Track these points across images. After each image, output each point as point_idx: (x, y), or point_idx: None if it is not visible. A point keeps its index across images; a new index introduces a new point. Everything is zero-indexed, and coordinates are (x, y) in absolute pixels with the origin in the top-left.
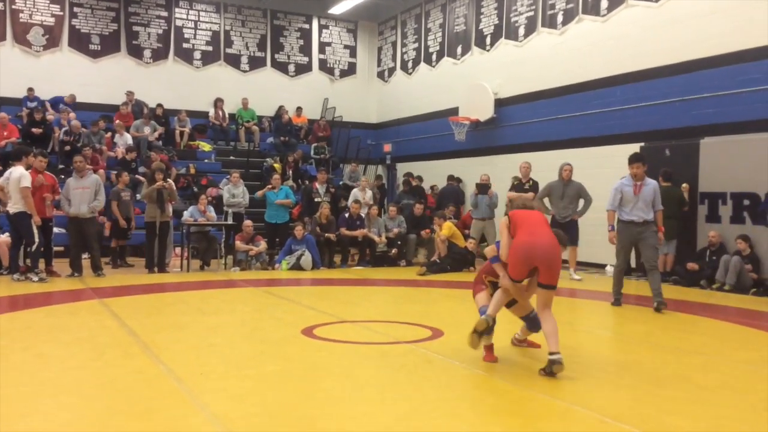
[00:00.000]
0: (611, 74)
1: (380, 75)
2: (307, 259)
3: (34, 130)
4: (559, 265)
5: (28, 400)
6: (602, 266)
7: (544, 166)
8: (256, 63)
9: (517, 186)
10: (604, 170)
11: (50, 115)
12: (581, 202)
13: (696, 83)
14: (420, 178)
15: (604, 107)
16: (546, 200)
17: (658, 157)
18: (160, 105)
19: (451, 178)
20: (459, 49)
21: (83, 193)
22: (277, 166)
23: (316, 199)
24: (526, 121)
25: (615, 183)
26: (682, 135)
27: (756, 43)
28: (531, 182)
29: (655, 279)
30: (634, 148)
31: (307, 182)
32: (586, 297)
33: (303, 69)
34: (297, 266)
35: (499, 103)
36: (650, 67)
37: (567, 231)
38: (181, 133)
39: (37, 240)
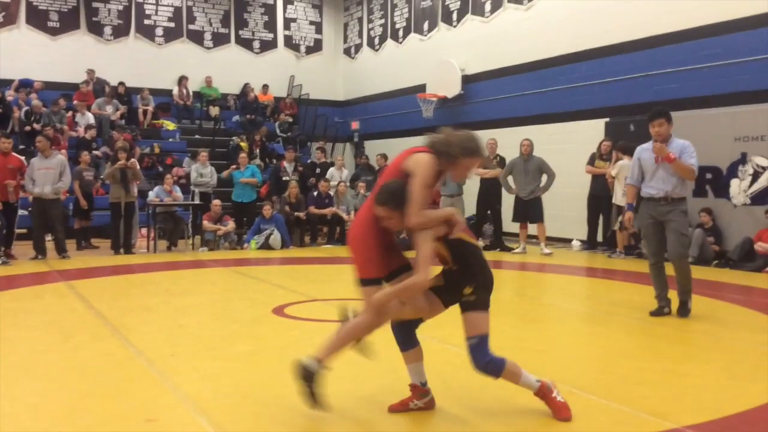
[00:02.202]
0: (576, 50)
1: (347, 51)
2: (276, 238)
3: None
4: (357, 252)
5: None
6: (569, 241)
7: (511, 143)
8: (219, 39)
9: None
10: (570, 146)
11: (9, 96)
12: (544, 178)
13: (659, 59)
14: (384, 156)
15: (569, 83)
16: (510, 178)
17: (622, 133)
18: (122, 83)
19: None
20: (426, 25)
21: (47, 174)
22: (243, 144)
23: (284, 178)
24: (493, 97)
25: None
26: (646, 110)
27: (718, 18)
28: (498, 158)
29: (679, 273)
30: (599, 124)
31: (274, 161)
32: (555, 271)
33: (268, 46)
34: (266, 245)
35: (467, 80)
36: (614, 43)
37: (531, 209)
38: (145, 112)
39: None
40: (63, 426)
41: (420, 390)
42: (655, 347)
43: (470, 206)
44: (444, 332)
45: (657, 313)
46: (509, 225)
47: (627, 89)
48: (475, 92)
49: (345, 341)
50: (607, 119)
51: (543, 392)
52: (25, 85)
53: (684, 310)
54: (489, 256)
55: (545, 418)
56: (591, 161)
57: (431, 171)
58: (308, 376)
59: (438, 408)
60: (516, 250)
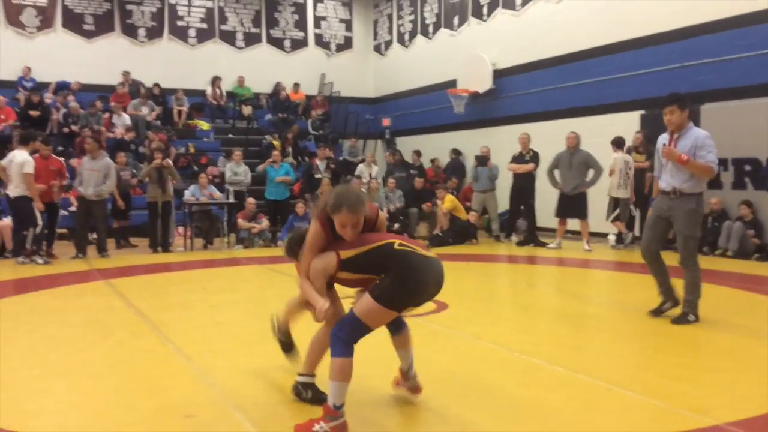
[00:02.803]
0: (609, 42)
1: (377, 48)
2: None
3: (31, 112)
4: None
5: (38, 382)
6: (604, 235)
7: (544, 137)
8: (251, 39)
9: (518, 158)
10: (604, 139)
11: (48, 98)
12: (591, 172)
13: (696, 49)
14: (418, 153)
15: (602, 75)
16: (556, 172)
17: (658, 125)
18: (156, 84)
19: (453, 151)
20: (456, 20)
21: (91, 175)
22: (276, 143)
23: (316, 176)
24: (525, 91)
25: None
26: None
27: (756, 7)
28: (531, 153)
29: (685, 280)
30: (634, 116)
31: (306, 159)
32: (592, 267)
33: (299, 44)
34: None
35: (498, 74)
36: (649, 34)
37: (575, 204)
38: (179, 113)
39: (39, 223)
40: (104, 422)
41: (404, 375)
42: (693, 343)
43: (503, 201)
44: (476, 329)
45: (656, 312)
46: (545, 220)
47: (663, 80)
48: (507, 87)
49: (319, 350)
50: (643, 111)
51: (325, 411)
52: (63, 87)
53: (681, 320)
54: (523, 251)
55: (580, 417)
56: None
57: (314, 238)
58: (307, 388)
59: (472, 405)
60: (551, 246)
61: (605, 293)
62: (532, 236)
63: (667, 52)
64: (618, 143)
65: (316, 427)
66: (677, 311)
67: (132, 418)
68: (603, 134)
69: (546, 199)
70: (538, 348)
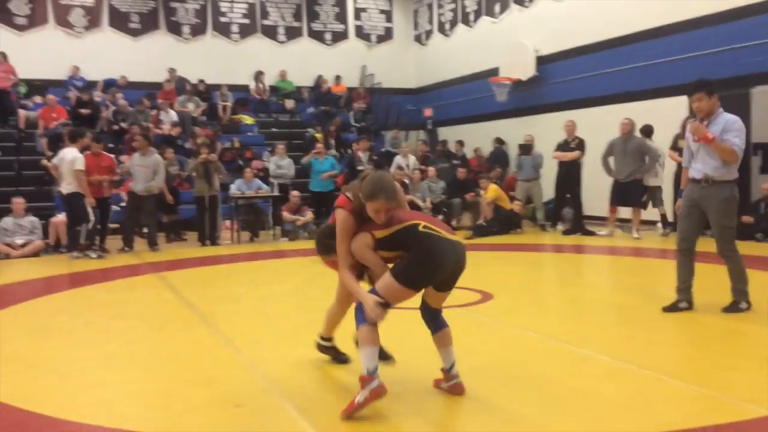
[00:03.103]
0: (656, 25)
1: (417, 38)
2: None
3: (81, 110)
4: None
5: (93, 373)
6: (654, 223)
7: (589, 124)
8: (292, 33)
9: (563, 145)
10: (657, 123)
11: (97, 96)
12: (646, 159)
13: (745, 31)
14: (461, 143)
15: (649, 60)
16: (611, 159)
17: None
18: (201, 81)
19: (497, 140)
20: (497, 7)
21: (140, 171)
22: (318, 135)
23: (359, 167)
24: (569, 78)
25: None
26: (731, 85)
27: None
28: (577, 141)
29: (729, 270)
30: (682, 100)
31: (349, 151)
32: (642, 255)
33: (339, 37)
34: None
35: (541, 61)
36: (696, 17)
37: (629, 192)
38: (224, 108)
39: (92, 218)
40: (156, 411)
41: (445, 375)
42: (747, 332)
43: (548, 190)
44: (522, 319)
45: (671, 308)
46: (591, 208)
47: (711, 64)
48: (550, 73)
49: (333, 320)
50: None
51: (361, 381)
52: (110, 84)
53: (733, 308)
54: (569, 240)
55: (630, 406)
56: (674, 144)
57: (344, 225)
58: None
59: (518, 395)
60: (602, 233)
61: (654, 282)
62: (579, 225)
63: (715, 35)
64: (647, 131)
65: (358, 397)
66: (727, 300)
67: (183, 408)
68: (649, 119)
69: (592, 186)
70: (586, 338)
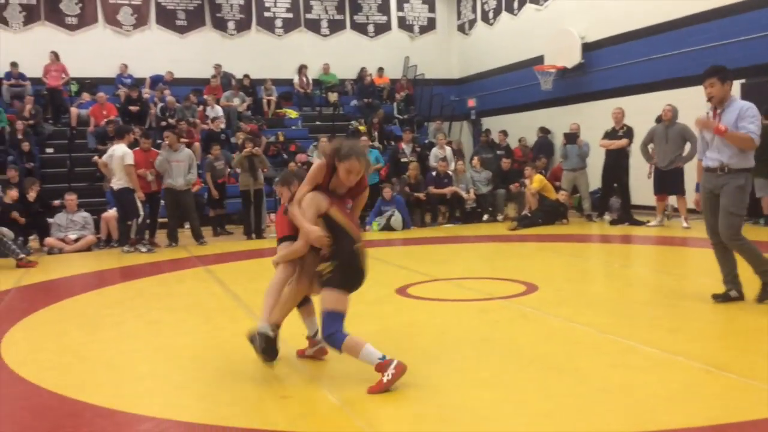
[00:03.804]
0: (706, 9)
1: (461, 28)
2: (397, 219)
3: (131, 107)
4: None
5: (143, 365)
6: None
7: (637, 111)
8: (335, 26)
9: (610, 133)
10: (703, 111)
11: (146, 93)
12: (687, 146)
13: None
14: (505, 133)
15: (699, 44)
16: (650, 147)
17: (761, 94)
18: (246, 76)
19: (541, 130)
20: None
21: (178, 166)
22: (362, 128)
23: (402, 160)
24: (617, 64)
25: None
26: None
27: None
28: (625, 129)
29: (741, 257)
30: (734, 86)
31: (392, 143)
32: (693, 245)
33: (382, 29)
34: (387, 227)
35: (587, 48)
36: None
37: (670, 180)
38: (268, 102)
39: (141, 213)
40: (205, 403)
41: (311, 341)
42: None
43: (595, 179)
44: (567, 311)
45: (721, 298)
46: (639, 197)
47: (763, 48)
48: (597, 60)
49: (273, 297)
50: (743, 80)
51: (379, 368)
52: (157, 81)
53: (764, 294)
54: (616, 230)
55: (678, 399)
56: None
57: (315, 172)
58: (263, 340)
59: (563, 387)
60: (652, 224)
61: (703, 272)
62: (627, 214)
63: (767, 18)
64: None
65: (384, 377)
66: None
67: (230, 399)
68: (700, 106)
69: (640, 175)
70: (633, 330)
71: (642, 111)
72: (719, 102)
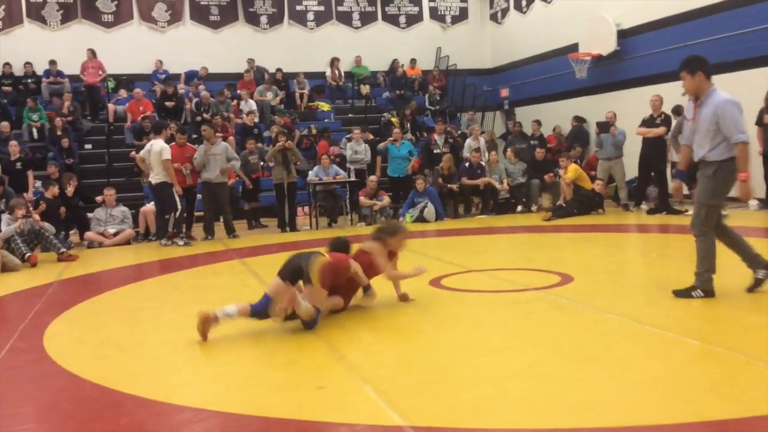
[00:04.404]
0: None
1: (493, 17)
2: (430, 210)
3: (167, 103)
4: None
5: (181, 356)
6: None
7: (675, 99)
8: (367, 18)
9: (648, 121)
10: (743, 97)
11: (181, 89)
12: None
13: None
14: (538, 122)
15: (738, 29)
16: (680, 137)
17: None
18: (279, 69)
19: (576, 119)
20: None
21: (215, 159)
22: (394, 120)
23: (435, 151)
24: (653, 51)
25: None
26: None
27: None
28: (662, 116)
29: (697, 248)
30: None
31: (425, 134)
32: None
33: (414, 19)
34: (421, 218)
35: (622, 35)
36: None
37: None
38: (301, 95)
39: (179, 207)
40: (241, 393)
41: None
42: None
43: (632, 168)
44: (604, 301)
45: (753, 285)
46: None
47: None
48: (633, 47)
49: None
50: None
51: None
52: (192, 76)
53: (684, 293)
54: (654, 220)
55: (718, 390)
56: (759, 118)
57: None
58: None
59: (599, 378)
60: (689, 213)
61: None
62: (664, 204)
63: None
64: (677, 112)
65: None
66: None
67: (267, 389)
68: (738, 92)
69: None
70: (671, 321)
71: (678, 99)
72: (694, 95)
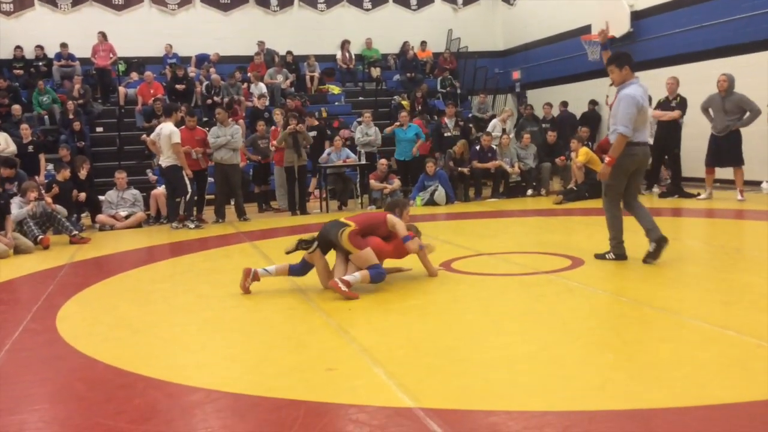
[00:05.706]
0: None
1: None
2: (440, 194)
3: (177, 86)
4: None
5: (193, 338)
6: (758, 183)
7: (690, 80)
8: (378, 0)
9: (663, 103)
10: (759, 79)
11: (191, 72)
12: (747, 115)
13: None
14: (550, 105)
15: (755, 9)
16: (711, 110)
17: None
18: (290, 52)
19: (589, 102)
20: None
21: (226, 142)
22: (404, 103)
23: (445, 134)
24: (668, 32)
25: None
26: None
27: None
28: (678, 99)
29: (607, 219)
30: None
31: (435, 117)
32: (747, 218)
33: (425, 1)
34: (431, 202)
35: (636, 16)
36: None
37: (727, 149)
38: (311, 78)
39: (190, 190)
40: (252, 375)
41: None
42: None
43: None
44: (615, 285)
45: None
46: (690, 170)
47: None
48: (646, 28)
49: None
50: None
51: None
52: (203, 60)
53: (600, 256)
54: (666, 203)
55: (728, 373)
56: None
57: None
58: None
59: (610, 361)
60: (701, 197)
61: (758, 245)
62: (677, 187)
63: None
64: None
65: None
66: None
67: (277, 371)
68: (755, 74)
69: (691, 147)
70: (682, 304)
71: (694, 80)
72: (617, 85)
